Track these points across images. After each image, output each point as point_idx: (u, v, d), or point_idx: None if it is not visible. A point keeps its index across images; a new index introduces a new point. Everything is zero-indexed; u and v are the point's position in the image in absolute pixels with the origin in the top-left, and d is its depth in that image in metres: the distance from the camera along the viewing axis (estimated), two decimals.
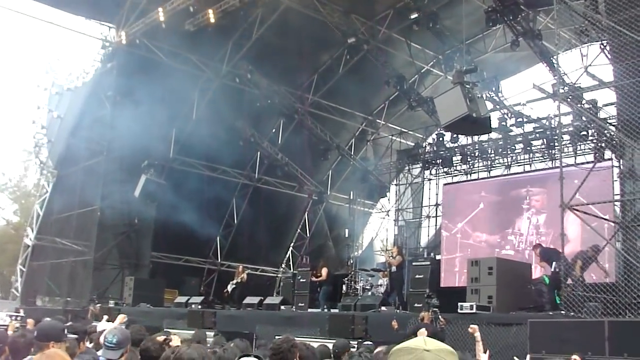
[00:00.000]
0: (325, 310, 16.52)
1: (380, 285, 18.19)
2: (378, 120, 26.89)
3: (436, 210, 24.73)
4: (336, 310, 16.04)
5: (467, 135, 21.62)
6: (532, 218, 19.98)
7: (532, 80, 20.35)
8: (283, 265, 27.51)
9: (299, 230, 27.68)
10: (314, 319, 15.02)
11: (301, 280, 17.97)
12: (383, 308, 14.82)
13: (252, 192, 25.64)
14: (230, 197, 25.44)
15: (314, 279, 17.29)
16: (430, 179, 25.34)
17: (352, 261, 25.08)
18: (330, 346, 6.91)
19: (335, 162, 26.57)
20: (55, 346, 4.59)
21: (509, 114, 21.17)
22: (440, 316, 11.05)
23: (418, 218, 25.84)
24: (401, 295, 16.24)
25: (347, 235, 26.13)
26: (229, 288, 19.46)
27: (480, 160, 23.38)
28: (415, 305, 14.57)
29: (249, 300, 17.79)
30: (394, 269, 15.76)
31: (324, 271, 17.38)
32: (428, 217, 25.27)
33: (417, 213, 25.91)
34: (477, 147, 23.13)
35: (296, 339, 4.83)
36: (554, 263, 12.65)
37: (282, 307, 16.86)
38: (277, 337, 12.87)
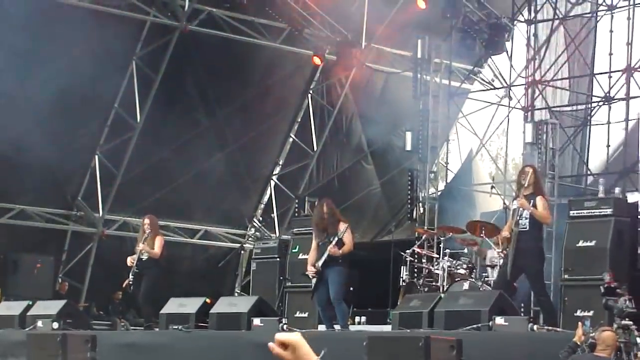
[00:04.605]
0: (349, 325, 16.67)
1: (492, 265, 18.28)
2: None
3: (628, 88, 24.59)
4: (387, 328, 16.22)
5: None
6: None
7: None
8: (255, 223, 27.83)
9: (292, 136, 27.96)
10: (337, 347, 15.19)
11: (300, 256, 18.09)
12: (500, 320, 14.93)
13: (176, 45, 25.81)
14: (125, 57, 25.63)
15: (331, 249, 16.95)
16: (613, 9, 25.14)
17: (422, 210, 25.17)
18: None
19: None
20: None
21: None
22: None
23: (583, 103, 25.77)
24: (543, 287, 16.36)
25: (408, 148, 26.05)
26: (131, 277, 19.65)
27: None
28: (577, 312, 14.72)
29: (173, 306, 18.03)
30: (524, 223, 15.80)
31: (343, 226, 17.15)
32: (606, 101, 25.14)
33: (580, 92, 25.81)
34: None
35: None
36: None
37: (257, 322, 17.04)
38: None
